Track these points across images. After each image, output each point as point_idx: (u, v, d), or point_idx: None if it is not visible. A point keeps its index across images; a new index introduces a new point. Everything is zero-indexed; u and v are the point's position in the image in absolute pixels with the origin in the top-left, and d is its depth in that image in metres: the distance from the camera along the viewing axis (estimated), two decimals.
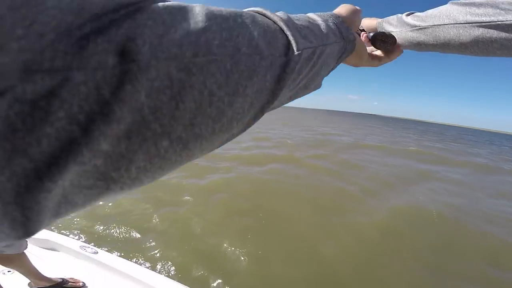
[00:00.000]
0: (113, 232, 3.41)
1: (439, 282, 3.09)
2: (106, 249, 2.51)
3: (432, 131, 39.06)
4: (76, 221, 3.52)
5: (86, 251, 1.94)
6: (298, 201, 5.04)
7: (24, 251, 1.49)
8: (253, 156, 8.33)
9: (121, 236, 3.37)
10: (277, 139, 12.53)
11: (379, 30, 0.83)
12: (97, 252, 1.94)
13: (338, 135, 16.55)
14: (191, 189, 5.04)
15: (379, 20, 0.85)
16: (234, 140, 0.28)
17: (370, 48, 0.86)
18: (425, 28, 0.68)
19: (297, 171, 7.09)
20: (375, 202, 5.38)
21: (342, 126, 26.04)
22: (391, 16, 0.81)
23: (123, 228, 3.48)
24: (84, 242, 2.40)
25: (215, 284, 2.67)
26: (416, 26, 0.70)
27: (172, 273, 2.81)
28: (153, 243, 3.23)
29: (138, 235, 3.38)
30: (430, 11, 0.68)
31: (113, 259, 1.89)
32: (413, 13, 0.75)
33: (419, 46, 0.72)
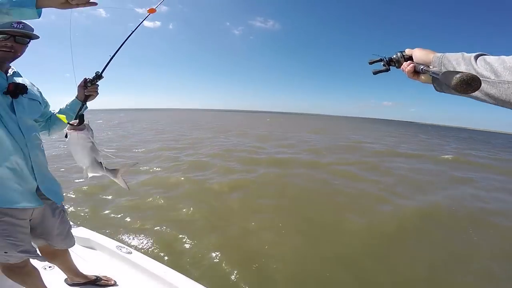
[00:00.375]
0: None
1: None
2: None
3: (476, 138, 35.73)
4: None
5: (121, 251, 2.03)
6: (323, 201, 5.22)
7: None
8: (282, 161, 8.61)
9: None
10: (306, 146, 12.41)
11: (436, 66, 0.73)
12: (131, 253, 2.03)
13: (369, 143, 15.85)
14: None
15: (437, 54, 0.75)
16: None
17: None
18: (499, 82, 0.55)
19: (325, 176, 7.19)
20: (399, 203, 5.33)
21: (373, 134, 24.90)
22: (453, 54, 0.70)
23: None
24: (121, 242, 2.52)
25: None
26: (487, 78, 0.57)
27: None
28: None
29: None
30: (507, 60, 0.55)
31: (146, 260, 1.96)
32: (482, 55, 0.63)
33: (486, 98, 0.60)
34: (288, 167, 7.89)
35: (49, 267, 1.83)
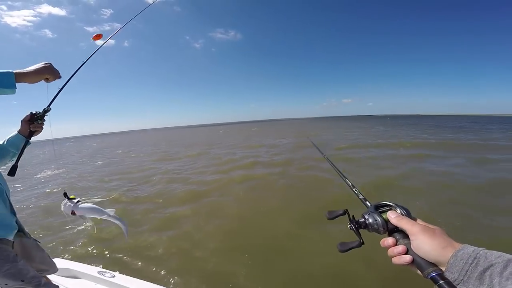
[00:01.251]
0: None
1: None
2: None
3: (427, 124, 38.65)
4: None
5: (104, 276, 2.03)
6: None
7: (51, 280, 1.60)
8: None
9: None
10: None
11: (455, 273, 0.45)
12: (115, 276, 2.03)
13: (336, 141, 16.68)
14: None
15: (463, 251, 0.46)
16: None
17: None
18: None
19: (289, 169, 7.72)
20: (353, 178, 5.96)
21: (330, 131, 26.12)
22: (497, 257, 0.43)
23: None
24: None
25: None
26: None
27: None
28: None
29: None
30: None
31: (130, 280, 1.97)
32: None
33: None
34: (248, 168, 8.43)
35: None
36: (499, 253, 0.43)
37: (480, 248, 0.45)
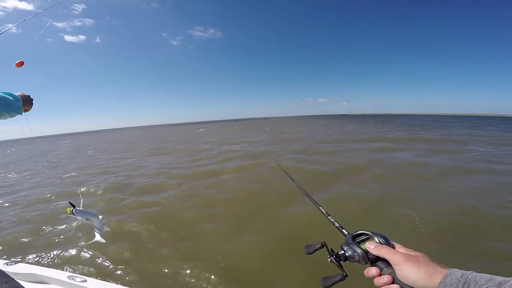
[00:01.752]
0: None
1: None
2: None
3: (397, 122, 40.54)
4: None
5: (75, 280, 1.91)
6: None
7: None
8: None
9: None
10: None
11: None
12: (86, 281, 1.92)
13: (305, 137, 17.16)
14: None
15: (451, 276, 0.45)
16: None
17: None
18: None
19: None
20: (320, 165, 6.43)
21: (307, 129, 26.82)
22: (484, 278, 0.43)
23: None
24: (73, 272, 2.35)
25: None
26: None
27: None
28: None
29: None
30: None
31: (102, 285, 1.88)
32: None
33: None
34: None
35: None
36: (488, 276, 0.43)
37: (468, 272, 0.45)
